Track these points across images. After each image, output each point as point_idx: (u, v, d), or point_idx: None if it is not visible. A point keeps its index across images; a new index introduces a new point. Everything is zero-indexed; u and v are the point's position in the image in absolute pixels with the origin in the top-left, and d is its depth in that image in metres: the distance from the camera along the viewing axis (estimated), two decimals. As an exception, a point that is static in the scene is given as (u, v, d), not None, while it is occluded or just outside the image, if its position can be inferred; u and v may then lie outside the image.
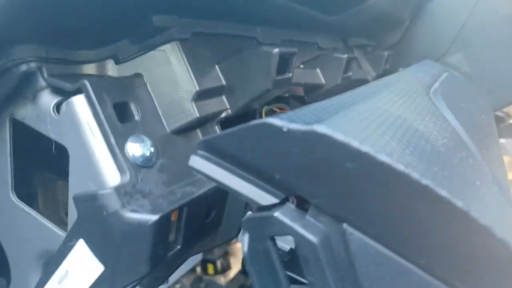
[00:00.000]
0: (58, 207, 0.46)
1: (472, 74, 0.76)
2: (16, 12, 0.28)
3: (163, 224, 0.31)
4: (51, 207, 0.45)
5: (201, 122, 0.39)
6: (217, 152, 0.28)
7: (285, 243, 0.33)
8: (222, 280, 1.03)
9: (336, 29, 0.60)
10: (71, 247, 0.33)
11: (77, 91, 0.32)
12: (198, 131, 0.39)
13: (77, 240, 0.32)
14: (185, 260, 0.42)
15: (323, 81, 0.51)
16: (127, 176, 0.31)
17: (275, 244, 0.26)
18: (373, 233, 0.24)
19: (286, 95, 0.50)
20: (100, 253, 0.31)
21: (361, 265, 0.25)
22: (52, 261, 0.35)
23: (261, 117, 0.60)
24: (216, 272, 1.03)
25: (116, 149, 0.32)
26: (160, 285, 0.48)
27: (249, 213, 0.30)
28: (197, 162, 0.28)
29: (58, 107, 0.33)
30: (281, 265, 0.27)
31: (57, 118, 0.33)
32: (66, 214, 0.39)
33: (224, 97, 0.40)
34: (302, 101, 0.55)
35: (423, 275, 0.23)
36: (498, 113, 0.80)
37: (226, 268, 1.04)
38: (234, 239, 0.82)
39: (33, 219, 0.39)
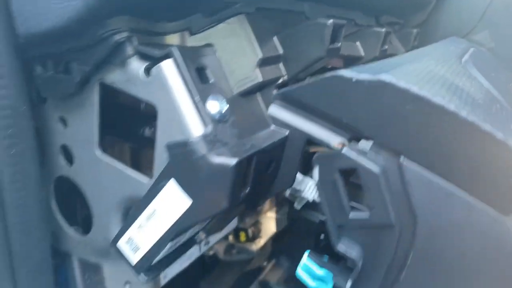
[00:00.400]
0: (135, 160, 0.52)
1: (497, 51, 0.80)
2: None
3: (240, 167, 0.38)
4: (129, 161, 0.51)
5: (262, 87, 0.44)
6: (292, 101, 0.34)
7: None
8: (253, 246, 1.10)
9: (371, 7, 0.64)
10: (162, 187, 0.39)
11: (164, 57, 0.38)
12: (258, 95, 0.45)
13: (167, 181, 0.39)
14: (250, 207, 0.49)
15: (363, 54, 0.56)
16: (209, 128, 0.38)
17: (341, 176, 0.32)
18: (426, 163, 0.29)
19: (329, 66, 0.55)
20: (189, 190, 0.38)
21: (414, 191, 0.30)
22: (140, 203, 0.42)
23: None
24: (248, 239, 1.10)
25: (200, 105, 0.38)
26: (220, 231, 0.55)
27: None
28: (276, 110, 0.34)
29: (146, 70, 0.39)
30: (346, 193, 0.33)
31: (147, 80, 0.39)
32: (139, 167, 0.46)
33: (281, 65, 0.45)
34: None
35: (466, 197, 0.29)
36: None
37: (257, 236, 1.11)
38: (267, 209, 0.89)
39: (117, 171, 0.45)
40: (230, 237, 1.14)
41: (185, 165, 0.37)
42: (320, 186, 0.33)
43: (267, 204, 1.10)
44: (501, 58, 0.76)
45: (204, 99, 0.38)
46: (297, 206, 0.57)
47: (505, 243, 0.29)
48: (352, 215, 0.33)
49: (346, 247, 0.34)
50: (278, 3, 0.46)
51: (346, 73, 0.30)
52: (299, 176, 0.53)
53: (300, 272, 0.38)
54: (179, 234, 0.42)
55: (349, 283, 0.35)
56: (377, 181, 0.31)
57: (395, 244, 0.32)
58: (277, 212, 1.11)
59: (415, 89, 0.28)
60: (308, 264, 0.37)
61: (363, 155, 0.31)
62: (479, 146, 0.27)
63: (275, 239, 1.07)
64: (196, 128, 0.38)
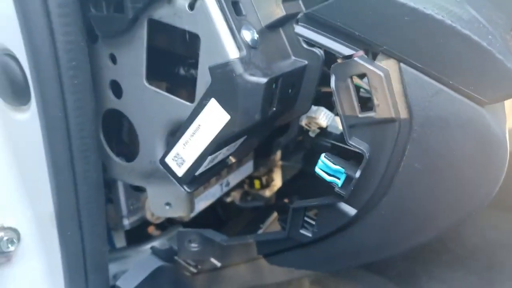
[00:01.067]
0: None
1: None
2: None
3: (269, 85, 0.45)
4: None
5: (284, 21, 0.52)
6: (314, 21, 0.41)
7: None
8: (267, 192, 1.19)
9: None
10: (205, 105, 0.47)
11: (206, -7, 0.45)
12: (281, 29, 0.52)
13: (210, 99, 0.47)
14: (270, 130, 0.57)
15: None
16: (244, 52, 0.45)
17: (353, 81, 0.40)
18: (419, 67, 0.37)
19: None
20: (228, 106, 0.46)
21: (410, 90, 0.38)
22: (186, 121, 0.50)
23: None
24: (262, 187, 1.20)
25: (236, 33, 0.45)
26: (245, 155, 0.63)
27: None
28: (301, 30, 0.41)
29: (190, 5, 0.46)
30: (356, 96, 0.41)
31: (192, 13, 0.46)
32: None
33: (300, 1, 0.53)
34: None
35: (451, 92, 0.37)
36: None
37: (270, 183, 1.20)
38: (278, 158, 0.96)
39: (164, 97, 0.53)
40: (245, 185, 1.24)
41: (224, 84, 0.45)
42: (336, 91, 0.41)
43: (279, 154, 1.18)
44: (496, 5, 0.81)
45: (238, 29, 0.46)
46: (312, 134, 0.65)
47: (481, 127, 0.37)
48: (361, 114, 0.41)
49: (356, 143, 0.43)
50: None
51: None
52: (313, 107, 0.61)
53: (318, 170, 0.47)
54: (218, 148, 0.50)
55: (358, 172, 0.43)
56: (382, 82, 0.38)
57: (395, 137, 0.41)
58: (288, 161, 1.19)
59: (411, 3, 0.35)
60: (325, 161, 0.45)
61: (371, 62, 0.39)
62: (460, 47, 0.35)
63: (287, 184, 1.16)
64: (233, 52, 0.45)
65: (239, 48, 0.45)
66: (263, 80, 0.44)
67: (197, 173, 0.53)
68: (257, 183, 1.21)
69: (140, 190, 0.73)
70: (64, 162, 0.55)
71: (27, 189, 0.68)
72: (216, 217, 1.19)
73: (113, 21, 0.51)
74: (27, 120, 0.60)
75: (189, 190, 0.55)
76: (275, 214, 0.93)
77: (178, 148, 0.52)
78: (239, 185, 1.22)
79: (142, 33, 0.51)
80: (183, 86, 0.65)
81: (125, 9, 0.49)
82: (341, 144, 0.61)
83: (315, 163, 0.88)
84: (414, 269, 1.07)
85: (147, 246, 0.83)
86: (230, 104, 0.46)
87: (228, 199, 1.20)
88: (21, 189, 0.68)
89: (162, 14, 0.48)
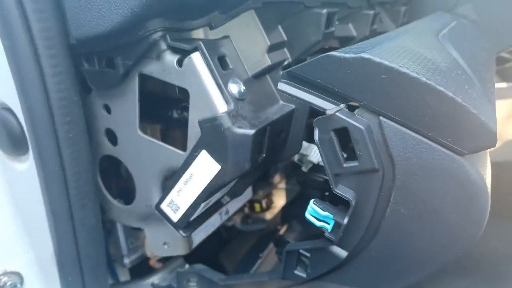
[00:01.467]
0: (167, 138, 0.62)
1: (479, 22, 0.87)
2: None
3: (257, 135, 0.47)
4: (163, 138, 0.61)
5: (271, 69, 0.53)
6: (296, 78, 0.43)
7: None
8: (267, 215, 1.21)
9: (361, -10, 0.72)
10: (196, 156, 0.49)
11: (193, 50, 0.47)
12: (268, 76, 0.54)
13: (200, 150, 0.48)
14: (263, 171, 0.58)
15: (355, 34, 0.65)
16: (231, 106, 0.47)
17: (335, 134, 0.42)
18: (398, 120, 0.39)
19: (326, 47, 0.64)
20: (218, 157, 0.47)
21: (391, 142, 0.40)
22: (179, 170, 0.52)
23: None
24: (262, 210, 1.21)
25: (223, 87, 0.47)
26: (240, 194, 0.65)
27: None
28: (284, 86, 0.43)
29: (178, 62, 0.48)
30: (340, 147, 0.42)
31: (180, 70, 0.48)
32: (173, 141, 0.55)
33: (285, 49, 0.54)
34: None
35: (430, 143, 0.39)
36: (503, 54, 0.92)
37: (270, 206, 1.22)
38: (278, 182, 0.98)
39: (157, 146, 0.55)
40: (246, 209, 1.25)
41: (214, 137, 0.47)
42: (319, 143, 0.43)
43: (277, 177, 1.20)
44: (483, 29, 0.83)
45: (225, 83, 0.47)
46: (305, 169, 0.67)
47: (461, 174, 0.38)
48: (346, 164, 0.43)
49: (342, 191, 0.44)
50: (281, -3, 0.55)
51: (335, 53, 0.40)
52: (305, 143, 0.62)
53: (308, 216, 0.48)
54: (211, 194, 0.52)
55: (346, 219, 0.45)
56: (363, 135, 0.40)
57: (380, 185, 0.42)
58: (287, 183, 1.21)
59: (386, 62, 0.37)
60: (314, 208, 0.47)
61: (352, 116, 0.40)
62: (436, 102, 0.36)
63: (287, 207, 1.17)
64: (221, 106, 0.47)
65: (226, 101, 0.47)
66: (251, 131, 0.46)
67: (191, 218, 0.55)
68: (257, 207, 1.22)
69: (139, 228, 0.74)
70: (63, 211, 0.57)
71: (28, 234, 0.69)
72: (218, 239, 1.19)
73: (105, 75, 0.53)
74: (26, 170, 0.61)
75: (184, 235, 0.56)
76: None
77: (172, 195, 0.54)
78: (240, 208, 1.23)
79: (134, 86, 0.53)
80: (177, 128, 0.66)
81: (116, 65, 0.51)
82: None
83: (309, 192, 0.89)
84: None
85: (149, 280, 0.84)
86: (220, 155, 0.47)
87: (229, 223, 1.21)
88: (23, 233, 0.69)
89: (152, 70, 0.50)
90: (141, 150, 0.57)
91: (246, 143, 0.46)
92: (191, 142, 0.51)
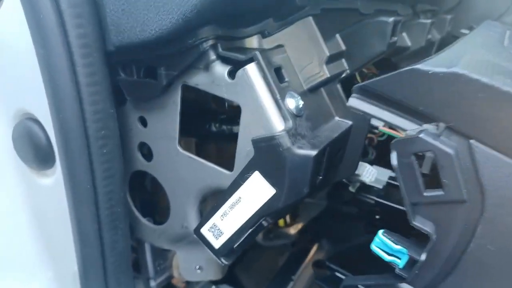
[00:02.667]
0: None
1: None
2: (214, 4, 0.38)
3: (319, 157, 0.42)
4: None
5: (327, 82, 0.48)
6: (370, 93, 0.38)
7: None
8: (291, 230, 1.15)
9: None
10: (247, 178, 0.44)
11: (248, 61, 0.42)
12: (322, 89, 0.49)
13: (253, 172, 0.43)
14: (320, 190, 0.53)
15: (409, 44, 0.60)
16: (290, 123, 0.42)
17: (417, 159, 0.36)
18: (493, 145, 0.33)
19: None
20: (273, 180, 0.42)
21: (483, 169, 0.35)
22: (225, 192, 0.47)
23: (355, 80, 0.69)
24: (286, 225, 1.15)
25: (281, 103, 0.42)
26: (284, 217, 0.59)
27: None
28: (355, 102, 0.38)
29: (230, 73, 0.43)
30: (421, 174, 0.37)
31: (232, 82, 0.43)
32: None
33: (343, 60, 0.49)
34: (385, 64, 0.64)
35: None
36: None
37: (295, 221, 1.16)
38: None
39: (198, 164, 0.50)
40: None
41: (269, 157, 0.42)
42: (398, 168, 0.37)
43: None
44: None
45: (283, 97, 0.42)
46: (352, 189, 0.62)
47: None
48: (427, 193, 0.37)
49: (421, 223, 0.39)
50: (338, 3, 0.49)
51: (421, 66, 0.34)
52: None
53: (375, 248, 0.43)
54: (260, 221, 0.47)
55: (424, 255, 0.39)
56: (452, 162, 0.35)
57: (465, 217, 0.37)
58: (313, 197, 1.15)
59: (485, 79, 0.32)
60: (384, 240, 0.41)
61: (438, 139, 0.35)
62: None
63: (313, 223, 1.11)
64: (278, 124, 0.42)
65: (284, 119, 0.42)
66: (313, 152, 0.41)
67: (235, 246, 0.49)
68: (281, 221, 1.17)
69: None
70: (92, 233, 0.52)
71: (49, 253, 0.64)
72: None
73: (144, 86, 0.48)
74: (51, 185, 0.57)
75: (226, 263, 0.51)
76: (305, 263, 0.89)
77: (215, 219, 0.48)
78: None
79: (176, 98, 0.48)
80: (213, 142, 0.62)
81: (158, 76, 0.46)
82: (387, 203, 0.57)
83: (341, 200, 0.84)
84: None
85: (173, 302, 0.79)
86: (277, 178, 0.42)
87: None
88: (44, 252, 0.64)
89: (198, 81, 0.45)
90: (180, 167, 0.52)
91: (307, 165, 0.41)
92: (240, 161, 0.45)
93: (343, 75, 0.49)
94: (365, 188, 0.60)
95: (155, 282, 0.67)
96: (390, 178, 0.62)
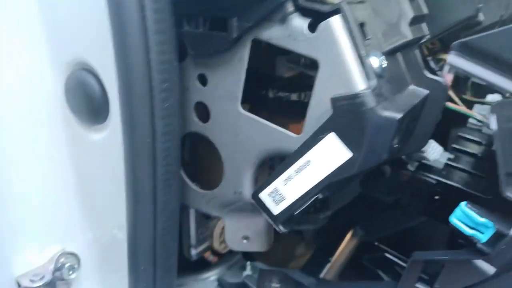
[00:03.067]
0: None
1: None
2: None
3: (403, 120, 0.39)
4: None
5: (406, 46, 0.45)
6: (473, 50, 0.35)
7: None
8: (320, 216, 1.12)
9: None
10: (320, 139, 0.41)
11: (333, 13, 0.39)
12: (399, 54, 0.46)
13: (328, 133, 0.41)
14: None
15: (483, 18, 0.56)
16: (374, 82, 0.39)
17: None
18: None
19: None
20: (351, 142, 0.40)
21: None
22: (292, 155, 0.44)
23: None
24: (315, 209, 1.13)
25: (365, 60, 0.39)
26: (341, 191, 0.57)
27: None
28: (454, 59, 0.35)
29: (311, 26, 0.41)
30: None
31: (312, 36, 0.40)
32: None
33: (425, 24, 0.46)
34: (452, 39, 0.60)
35: None
36: None
37: (324, 206, 1.13)
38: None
39: (260, 125, 0.48)
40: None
41: (349, 118, 0.39)
42: (498, 133, 0.35)
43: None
44: None
45: (367, 54, 0.40)
46: (411, 167, 0.59)
47: None
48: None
49: (513, 194, 0.36)
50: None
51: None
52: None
53: (455, 221, 0.40)
54: (328, 188, 0.44)
55: (513, 230, 0.37)
56: None
57: None
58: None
59: None
60: (468, 212, 0.39)
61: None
62: None
63: (345, 209, 1.08)
64: (361, 82, 0.39)
65: (368, 77, 0.39)
66: (397, 115, 0.38)
67: (295, 213, 0.47)
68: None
69: (210, 217, 0.67)
70: (146, 190, 0.50)
71: (91, 212, 0.63)
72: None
73: (211, 39, 0.46)
74: (102, 140, 0.55)
75: (284, 230, 0.49)
76: (344, 245, 0.86)
77: (277, 183, 0.46)
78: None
79: (243, 54, 0.46)
80: (265, 109, 0.59)
81: (229, 27, 0.44)
82: (450, 182, 0.54)
83: (377, 189, 0.81)
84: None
85: (205, 275, 0.77)
86: (355, 140, 0.40)
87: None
88: (85, 211, 0.63)
89: (273, 35, 0.43)
90: (240, 129, 0.49)
91: (390, 128, 0.38)
92: (311, 123, 0.43)
93: (423, 41, 0.46)
94: (425, 167, 0.58)
95: (195, 251, 0.66)
96: (449, 159, 0.59)
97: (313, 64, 0.61)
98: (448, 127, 0.61)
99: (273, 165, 0.60)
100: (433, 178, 0.55)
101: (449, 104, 0.53)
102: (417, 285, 0.45)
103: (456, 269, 0.42)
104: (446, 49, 0.56)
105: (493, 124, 0.35)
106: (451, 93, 0.54)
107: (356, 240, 0.98)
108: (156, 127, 0.47)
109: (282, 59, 0.65)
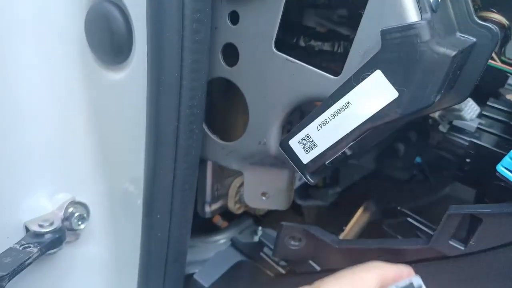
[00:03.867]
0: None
1: None
2: None
3: (458, 58, 0.36)
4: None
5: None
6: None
7: None
8: (330, 192, 1.10)
9: None
10: (364, 78, 0.39)
11: None
12: (448, -2, 0.43)
13: (374, 70, 0.38)
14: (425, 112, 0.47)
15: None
16: (429, 15, 0.36)
17: None
18: None
19: None
20: (398, 80, 0.37)
21: None
22: (330, 96, 0.41)
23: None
24: (325, 185, 1.11)
25: (420, -9, 0.36)
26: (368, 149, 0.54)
27: None
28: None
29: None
30: None
31: (363, -38, 0.37)
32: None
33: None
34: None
35: None
36: None
37: (335, 182, 1.11)
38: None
39: (297, 67, 0.45)
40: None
41: (400, 52, 0.36)
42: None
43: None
44: None
45: (421, -14, 0.37)
46: (443, 128, 0.56)
47: None
48: None
49: None
50: None
51: None
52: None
53: (502, 169, 0.38)
54: (365, 133, 0.42)
55: None
56: None
57: None
58: (359, 160, 1.10)
59: None
60: (519, 160, 0.37)
61: None
62: None
63: (357, 186, 1.06)
64: (413, 14, 0.36)
65: (422, 10, 0.36)
66: (452, 52, 0.35)
67: (327, 162, 0.45)
68: (320, 181, 1.12)
69: (226, 175, 0.65)
70: (169, 133, 0.47)
71: (103, 161, 0.60)
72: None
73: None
74: (121, 81, 0.52)
75: (312, 181, 0.46)
76: (358, 214, 0.84)
77: (310, 129, 0.43)
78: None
79: (283, -13, 0.43)
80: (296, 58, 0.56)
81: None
82: (484, 144, 0.52)
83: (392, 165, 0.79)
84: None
85: (216, 238, 0.75)
86: (403, 78, 0.37)
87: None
88: (97, 160, 0.60)
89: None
90: (272, 72, 0.47)
91: (444, 66, 0.35)
92: (353, 62, 0.40)
93: (476, -16, 0.43)
94: (456, 129, 0.55)
95: (209, 208, 0.63)
96: (480, 124, 0.57)
97: (342, 21, 0.58)
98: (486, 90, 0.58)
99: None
100: (465, 139, 0.52)
101: (502, 66, 0.51)
102: (451, 242, 0.43)
103: (496, 224, 0.40)
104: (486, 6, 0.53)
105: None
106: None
107: (368, 216, 0.96)
108: (185, 62, 0.44)
109: (310, 11, 0.62)
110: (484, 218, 0.41)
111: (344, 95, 0.40)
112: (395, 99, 0.38)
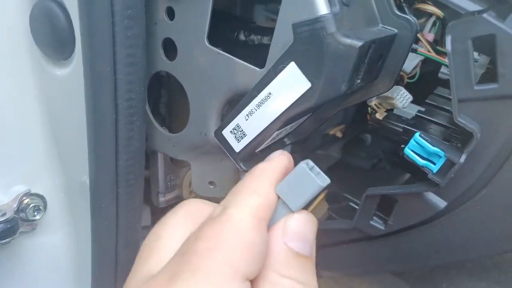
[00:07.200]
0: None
1: None
2: None
3: (365, 49, 0.39)
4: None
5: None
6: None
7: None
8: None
9: None
10: (281, 70, 0.41)
11: None
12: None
13: (289, 62, 0.40)
14: (342, 107, 0.50)
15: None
16: (337, 8, 0.38)
17: (472, 45, 0.33)
18: None
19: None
20: (310, 71, 0.39)
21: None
22: (253, 88, 0.44)
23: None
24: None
25: (328, -14, 0.38)
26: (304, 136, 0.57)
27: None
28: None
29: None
30: (474, 63, 0.34)
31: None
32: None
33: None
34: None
35: None
36: None
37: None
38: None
39: (227, 60, 0.47)
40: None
41: (310, 44, 0.39)
42: (451, 54, 0.35)
43: (317, 141, 1.11)
44: None
45: (331, -19, 0.39)
46: (380, 116, 0.59)
47: None
48: (478, 87, 0.35)
49: (466, 121, 0.36)
50: None
51: None
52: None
53: (409, 152, 0.40)
54: (289, 122, 0.44)
55: (463, 157, 0.37)
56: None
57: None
58: (326, 149, 1.12)
59: None
60: (421, 141, 0.39)
61: (502, 20, 0.32)
62: None
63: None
64: (323, 8, 0.38)
65: (331, 3, 0.38)
66: (358, 43, 0.37)
67: (257, 150, 0.47)
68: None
69: (180, 165, 0.67)
70: (107, 125, 0.49)
71: (59, 154, 0.62)
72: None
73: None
74: (67, 76, 0.54)
75: (244, 168, 0.48)
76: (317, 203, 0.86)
77: (239, 119, 0.46)
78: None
79: (211, -17, 0.45)
80: (236, 52, 0.58)
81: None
82: (415, 130, 0.54)
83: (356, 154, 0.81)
84: (434, 275, 1.01)
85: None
86: (314, 69, 0.39)
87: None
88: (53, 153, 0.62)
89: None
90: (206, 65, 0.49)
91: (350, 56, 0.38)
92: (274, 55, 0.42)
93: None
94: (392, 117, 0.58)
95: (164, 198, 0.66)
96: (419, 111, 0.59)
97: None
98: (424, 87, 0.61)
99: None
100: (400, 126, 0.55)
101: (431, 54, 0.53)
102: (372, 222, 0.46)
103: (409, 204, 0.43)
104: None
105: (448, 44, 0.35)
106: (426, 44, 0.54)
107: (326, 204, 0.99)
108: (117, 56, 0.46)
109: (261, 8, 0.64)
110: (399, 199, 0.43)
111: (266, 86, 0.43)
112: (309, 89, 0.40)
